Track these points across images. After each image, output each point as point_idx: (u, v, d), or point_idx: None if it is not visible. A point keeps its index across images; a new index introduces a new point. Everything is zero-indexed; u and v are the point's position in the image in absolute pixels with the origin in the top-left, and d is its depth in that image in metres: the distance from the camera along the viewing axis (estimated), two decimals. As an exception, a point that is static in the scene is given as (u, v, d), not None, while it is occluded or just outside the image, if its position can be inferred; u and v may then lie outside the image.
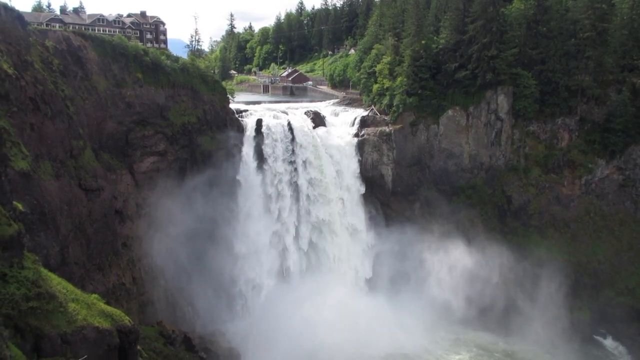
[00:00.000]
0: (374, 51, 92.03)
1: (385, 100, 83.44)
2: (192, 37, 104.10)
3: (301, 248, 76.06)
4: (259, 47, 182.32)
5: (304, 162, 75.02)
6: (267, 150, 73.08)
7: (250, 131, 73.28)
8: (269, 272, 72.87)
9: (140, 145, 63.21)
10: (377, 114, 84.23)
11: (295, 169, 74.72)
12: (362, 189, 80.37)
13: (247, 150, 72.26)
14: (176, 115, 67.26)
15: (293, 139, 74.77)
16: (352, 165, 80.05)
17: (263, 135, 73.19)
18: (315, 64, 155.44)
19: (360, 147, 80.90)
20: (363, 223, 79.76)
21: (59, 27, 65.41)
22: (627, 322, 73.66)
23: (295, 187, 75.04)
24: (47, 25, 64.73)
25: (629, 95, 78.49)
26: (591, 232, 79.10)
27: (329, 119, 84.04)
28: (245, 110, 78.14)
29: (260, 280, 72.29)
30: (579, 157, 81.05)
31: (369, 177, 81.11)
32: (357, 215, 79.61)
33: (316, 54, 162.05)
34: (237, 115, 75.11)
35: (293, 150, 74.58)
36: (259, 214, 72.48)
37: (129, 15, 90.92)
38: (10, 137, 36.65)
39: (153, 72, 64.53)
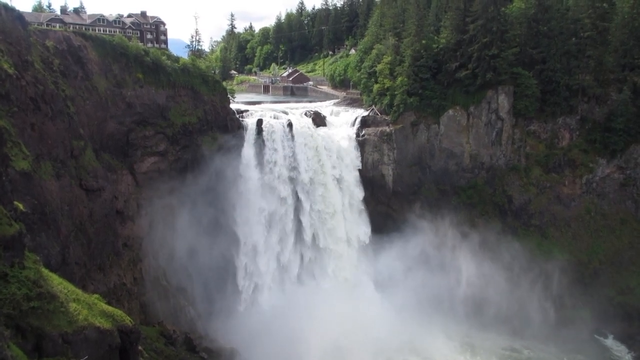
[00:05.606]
0: (374, 51, 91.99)
1: (386, 100, 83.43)
2: (192, 37, 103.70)
3: (303, 248, 75.99)
4: (259, 47, 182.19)
5: (305, 162, 74.92)
6: (267, 150, 73.01)
7: (250, 131, 73.26)
8: (270, 272, 72.83)
9: (141, 146, 63.28)
10: (377, 114, 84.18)
11: (296, 169, 74.65)
12: (362, 189, 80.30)
13: (248, 150, 72.19)
14: (177, 116, 67.33)
15: (293, 139, 74.67)
16: (352, 164, 79.98)
17: (263, 136, 73.17)
18: (315, 64, 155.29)
19: (361, 147, 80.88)
20: (364, 222, 79.76)
21: (60, 27, 65.27)
22: (628, 321, 73.74)
23: (295, 187, 74.99)
24: (47, 25, 64.66)
25: (629, 95, 78.47)
26: (592, 232, 79.15)
27: (329, 119, 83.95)
28: (246, 111, 78.18)
29: (262, 280, 72.28)
30: (580, 157, 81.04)
31: (370, 177, 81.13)
32: (357, 215, 79.60)
33: (317, 54, 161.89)
34: (237, 116, 75.14)
35: (293, 151, 74.50)
36: (259, 214, 72.42)
37: (130, 16, 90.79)
38: (11, 137, 36.69)
39: (153, 73, 64.55)
